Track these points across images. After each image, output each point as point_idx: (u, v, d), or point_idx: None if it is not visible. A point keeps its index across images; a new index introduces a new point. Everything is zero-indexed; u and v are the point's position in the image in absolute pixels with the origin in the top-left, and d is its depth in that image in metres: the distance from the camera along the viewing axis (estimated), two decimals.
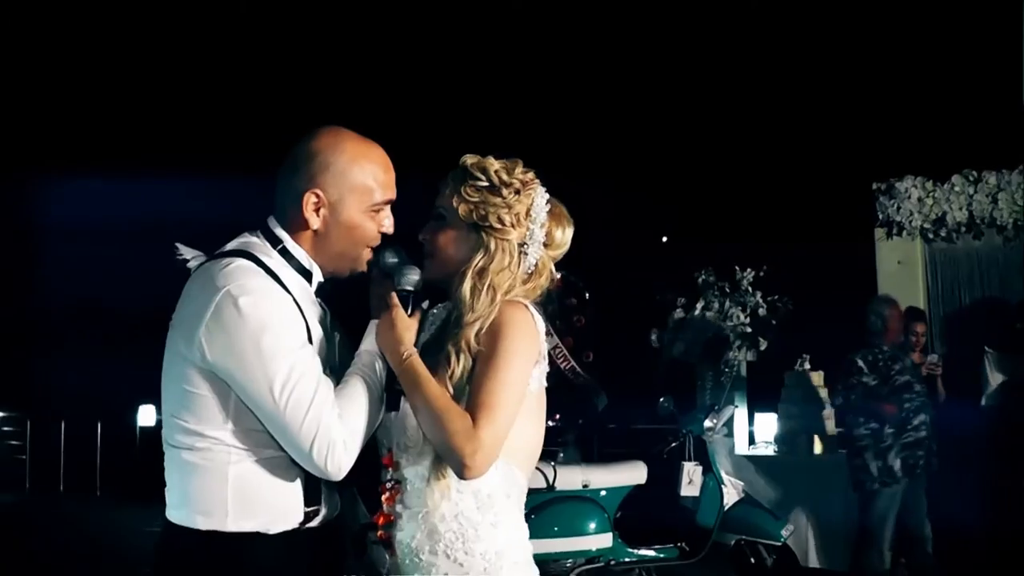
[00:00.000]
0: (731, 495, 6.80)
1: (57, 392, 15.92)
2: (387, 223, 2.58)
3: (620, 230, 14.52)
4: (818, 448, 7.95)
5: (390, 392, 2.54)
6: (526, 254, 2.63)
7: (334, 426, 2.32)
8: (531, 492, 6.28)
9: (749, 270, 8.50)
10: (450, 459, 2.41)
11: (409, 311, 2.60)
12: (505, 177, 2.61)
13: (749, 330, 8.31)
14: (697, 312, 8.42)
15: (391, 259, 2.61)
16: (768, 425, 8.41)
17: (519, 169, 2.65)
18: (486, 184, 2.61)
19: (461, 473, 2.40)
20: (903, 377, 6.54)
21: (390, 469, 2.55)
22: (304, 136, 2.53)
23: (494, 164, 2.63)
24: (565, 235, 2.71)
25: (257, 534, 2.36)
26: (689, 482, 6.86)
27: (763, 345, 8.34)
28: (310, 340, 2.41)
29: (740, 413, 8.26)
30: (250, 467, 2.37)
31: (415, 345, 2.58)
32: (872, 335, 6.67)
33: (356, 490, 2.70)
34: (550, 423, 8.53)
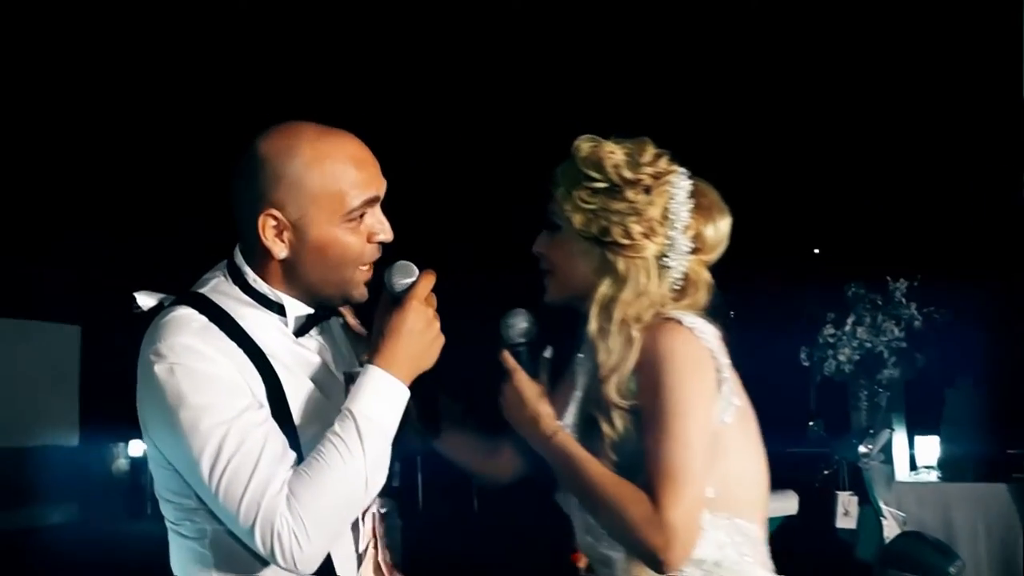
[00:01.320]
0: (892, 527, 6.39)
1: None
2: (379, 228, 2.04)
3: (766, 242, 14.08)
4: (984, 474, 7.33)
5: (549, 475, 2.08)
6: (668, 268, 2.10)
7: (279, 513, 1.81)
8: None
9: (902, 280, 7.91)
10: (639, 554, 1.96)
11: (534, 371, 2.09)
12: (628, 174, 2.06)
13: (904, 345, 7.74)
14: (848, 327, 7.91)
15: (400, 280, 2.04)
16: (930, 448, 7.82)
17: (647, 156, 2.09)
18: (604, 185, 2.06)
19: (658, 569, 1.92)
20: None
21: (580, 566, 2.13)
22: (251, 141, 1.99)
23: (613, 156, 2.08)
24: (719, 231, 2.17)
25: None
26: (845, 513, 6.47)
27: (920, 361, 7.78)
28: (280, 396, 1.95)
29: (899, 436, 7.72)
30: (228, 544, 1.93)
31: (562, 414, 2.09)
32: None
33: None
34: None
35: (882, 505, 6.52)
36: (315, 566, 1.89)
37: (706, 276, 2.17)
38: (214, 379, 1.87)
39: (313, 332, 2.09)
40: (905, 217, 12.63)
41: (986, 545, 6.97)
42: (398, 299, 2.02)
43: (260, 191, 1.96)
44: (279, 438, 1.90)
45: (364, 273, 2.06)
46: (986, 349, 7.96)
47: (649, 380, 2.00)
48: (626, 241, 2.06)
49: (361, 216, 2.01)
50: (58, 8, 8.65)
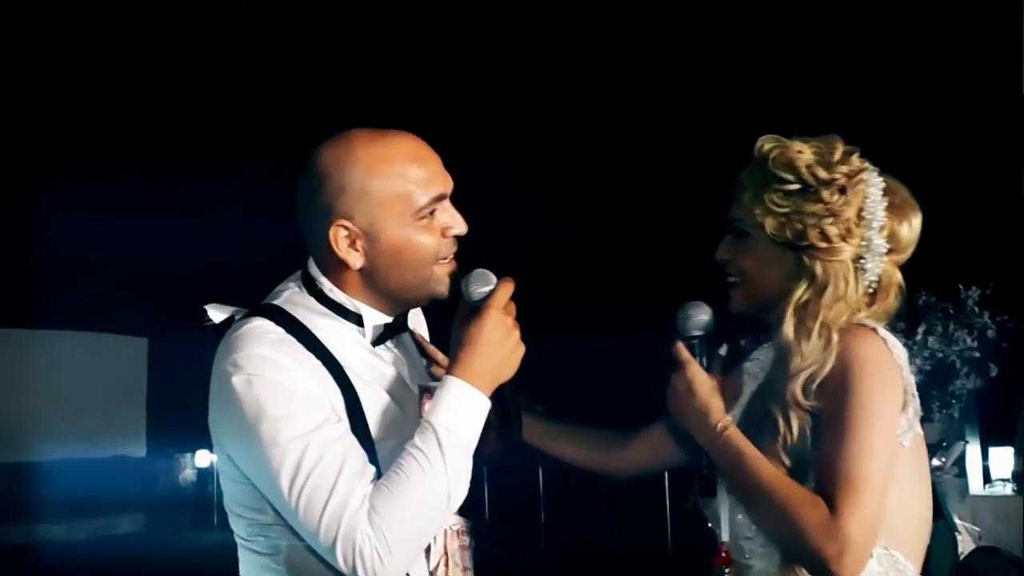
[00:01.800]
0: (966, 543, 6.16)
1: None
2: (452, 222, 1.99)
3: None
4: None
5: (698, 474, 2.05)
6: (864, 270, 2.01)
7: (361, 528, 1.76)
8: None
9: (974, 288, 7.77)
10: (807, 564, 1.87)
11: (706, 364, 2.07)
12: (823, 173, 1.97)
13: (977, 355, 7.58)
14: (919, 337, 7.74)
15: (478, 288, 1.98)
16: (1005, 461, 7.59)
17: (838, 154, 2.01)
18: (797, 187, 1.98)
19: None
20: None
21: (726, 569, 2.01)
22: (309, 158, 1.96)
23: (805, 155, 2.00)
24: (913, 229, 2.07)
25: None
26: None
27: (994, 371, 7.60)
28: (357, 408, 1.90)
29: (972, 448, 7.53)
30: (304, 560, 1.87)
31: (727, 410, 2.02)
32: None
33: None
34: None
35: (956, 520, 6.33)
36: None
37: (898, 278, 2.08)
38: (293, 391, 1.84)
39: (389, 344, 2.05)
40: (978, 223, 12.38)
41: None
42: (476, 308, 1.96)
43: (326, 204, 1.93)
44: (358, 452, 1.85)
45: (445, 267, 2.01)
46: None
47: (838, 384, 1.92)
48: (823, 244, 1.99)
49: (432, 213, 1.96)
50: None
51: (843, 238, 1.99)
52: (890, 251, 2.05)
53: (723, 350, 2.14)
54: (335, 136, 1.98)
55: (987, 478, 7.71)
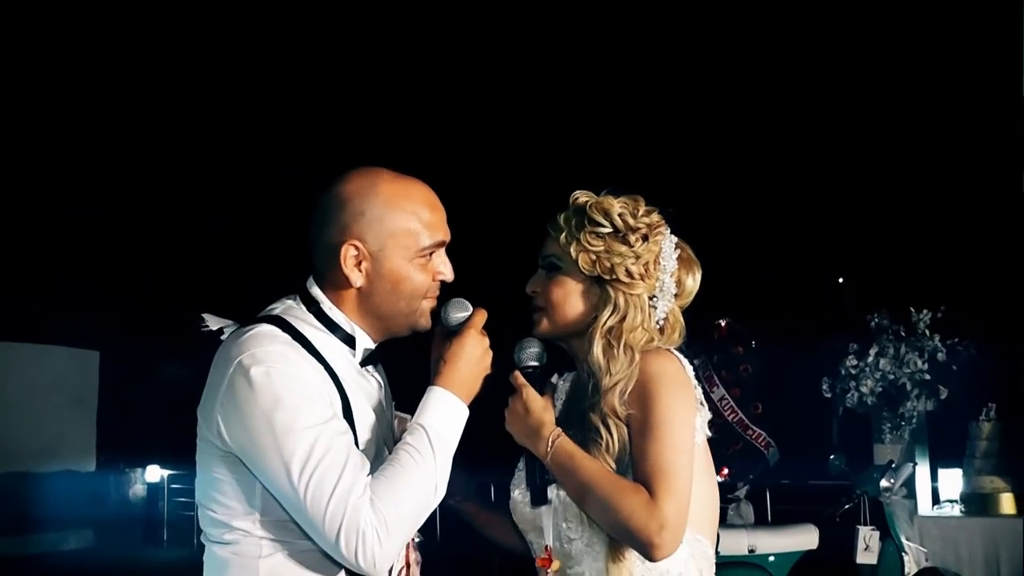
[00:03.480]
0: (912, 563, 6.29)
1: None
2: (444, 269, 2.24)
3: (789, 271, 13.97)
4: (1009, 508, 7.22)
5: (532, 485, 2.29)
6: (655, 308, 2.36)
7: (364, 513, 1.94)
8: None
9: (926, 311, 7.84)
10: (633, 543, 2.13)
11: (540, 391, 2.34)
12: (631, 221, 2.34)
13: (928, 377, 7.65)
14: (871, 359, 7.82)
15: (456, 314, 2.27)
16: (954, 482, 7.70)
17: (643, 209, 2.38)
18: (609, 230, 2.33)
19: (650, 555, 2.11)
20: None
21: (549, 571, 2.27)
22: (331, 183, 2.20)
23: (616, 205, 2.35)
24: (695, 281, 2.44)
25: None
26: (865, 548, 6.38)
27: (943, 393, 7.68)
28: (349, 415, 2.09)
29: (922, 469, 7.59)
30: (285, 562, 2.05)
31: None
32: None
33: None
34: (719, 479, 8.09)
35: (903, 540, 6.42)
36: (387, 568, 2.00)
37: (681, 319, 2.41)
38: (307, 385, 2.03)
39: (369, 368, 2.24)
40: (930, 246, 12.53)
41: None
42: (454, 332, 2.24)
43: (343, 225, 2.14)
44: (356, 448, 2.05)
45: (429, 303, 2.24)
46: (1011, 380, 7.84)
47: (644, 394, 2.22)
48: (627, 279, 2.32)
49: (430, 255, 2.21)
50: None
51: (642, 277, 2.33)
52: (677, 295, 2.39)
53: (555, 379, 2.47)
54: (358, 168, 2.21)
55: (936, 499, 7.81)
